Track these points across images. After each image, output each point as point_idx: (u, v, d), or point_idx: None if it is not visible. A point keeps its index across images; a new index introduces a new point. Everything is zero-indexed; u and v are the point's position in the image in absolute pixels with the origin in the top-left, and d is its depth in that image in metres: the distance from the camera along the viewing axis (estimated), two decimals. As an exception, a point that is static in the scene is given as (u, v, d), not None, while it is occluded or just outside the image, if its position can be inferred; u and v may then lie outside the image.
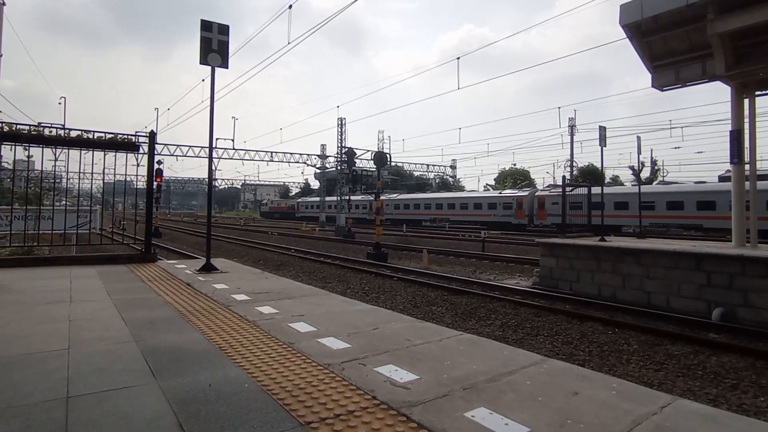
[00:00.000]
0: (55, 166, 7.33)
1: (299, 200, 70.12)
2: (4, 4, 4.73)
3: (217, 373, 2.47)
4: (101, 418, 1.91)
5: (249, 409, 2.03)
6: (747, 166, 9.46)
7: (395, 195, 47.75)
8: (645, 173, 45.05)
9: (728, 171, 24.77)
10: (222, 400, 2.12)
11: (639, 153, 15.39)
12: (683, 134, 54.76)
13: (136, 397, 2.14)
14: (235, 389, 2.25)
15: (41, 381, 2.32)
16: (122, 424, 1.87)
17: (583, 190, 13.43)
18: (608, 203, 25.33)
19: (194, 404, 2.07)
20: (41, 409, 2.00)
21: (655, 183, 38.99)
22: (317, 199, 67.70)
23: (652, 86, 10.80)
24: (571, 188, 13.54)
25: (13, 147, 6.52)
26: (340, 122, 37.49)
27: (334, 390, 2.25)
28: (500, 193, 38.86)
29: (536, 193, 34.75)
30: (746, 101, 9.62)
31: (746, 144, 9.46)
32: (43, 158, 6.71)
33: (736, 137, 9.48)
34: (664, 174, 47.32)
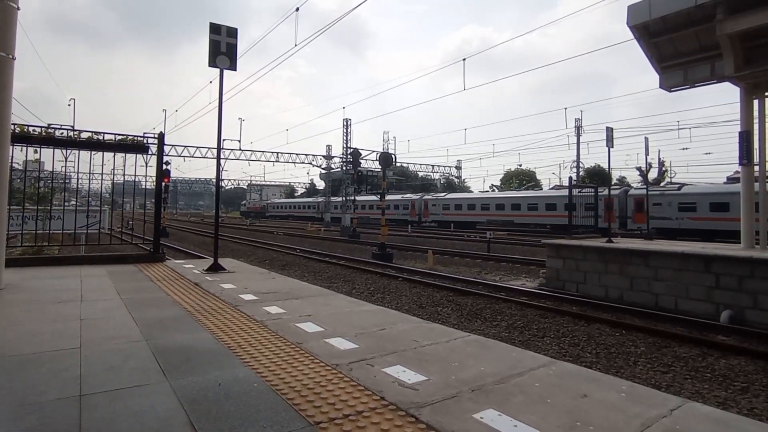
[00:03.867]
0: (65, 166, 7.38)
1: (268, 201, 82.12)
2: (18, 8, 4.78)
3: (226, 372, 2.49)
4: (114, 416, 1.94)
5: (258, 408, 2.05)
6: (756, 168, 9.38)
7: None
8: (652, 174, 44.72)
9: (737, 172, 24.56)
10: (232, 399, 2.14)
11: (647, 154, 15.25)
12: (691, 135, 54.13)
13: (148, 395, 2.17)
14: (245, 389, 2.26)
15: (54, 379, 2.35)
16: (134, 422, 1.89)
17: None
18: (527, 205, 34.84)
19: (204, 403, 2.09)
20: (55, 406, 2.03)
21: (663, 184, 38.73)
22: (284, 200, 79.20)
23: (660, 87, 10.74)
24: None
25: (25, 148, 6.60)
26: (345, 123, 37.56)
27: (343, 390, 2.26)
28: (402, 196, 46.81)
29: (424, 197, 43.68)
30: (756, 102, 9.54)
31: (756, 145, 9.38)
32: (53, 159, 6.79)
33: (745, 138, 9.41)
34: (672, 175, 46.91)
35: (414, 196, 44.87)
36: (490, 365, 2.65)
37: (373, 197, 45.33)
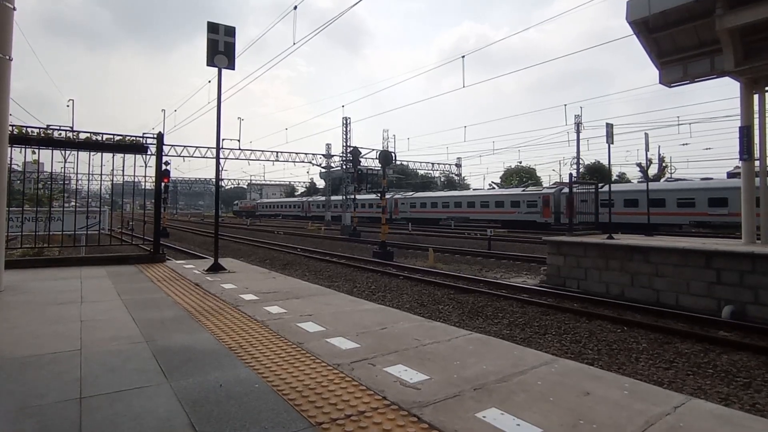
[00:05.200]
0: (64, 168, 7.36)
1: (258, 201, 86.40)
2: (14, 9, 4.77)
3: (227, 373, 2.48)
4: (115, 419, 1.93)
5: (260, 409, 2.04)
6: (757, 163, 9.36)
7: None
8: (652, 170, 44.72)
9: (737, 168, 24.62)
10: (233, 400, 2.13)
11: (647, 150, 15.15)
12: (691, 130, 54.01)
13: (149, 397, 2.16)
14: (246, 389, 2.26)
15: (54, 381, 2.35)
16: (135, 424, 1.88)
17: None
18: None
19: (206, 404, 2.08)
20: (55, 409, 2.02)
21: (662, 180, 38.71)
22: (272, 200, 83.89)
23: (660, 82, 10.71)
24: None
25: (23, 150, 6.58)
26: (345, 122, 37.54)
27: (344, 390, 2.25)
28: (376, 195, 50.18)
29: (394, 196, 46.49)
30: (756, 97, 9.51)
31: (756, 140, 9.36)
32: (52, 160, 6.77)
33: (745, 133, 9.38)
34: (672, 171, 46.88)
35: (369, 197, 48.69)
36: (492, 363, 2.64)
37: (368, 196, 46.59)
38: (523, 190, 35.94)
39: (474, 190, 46.89)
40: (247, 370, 2.54)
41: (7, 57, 4.76)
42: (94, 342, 3.03)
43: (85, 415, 1.96)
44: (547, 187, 35.73)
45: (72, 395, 2.17)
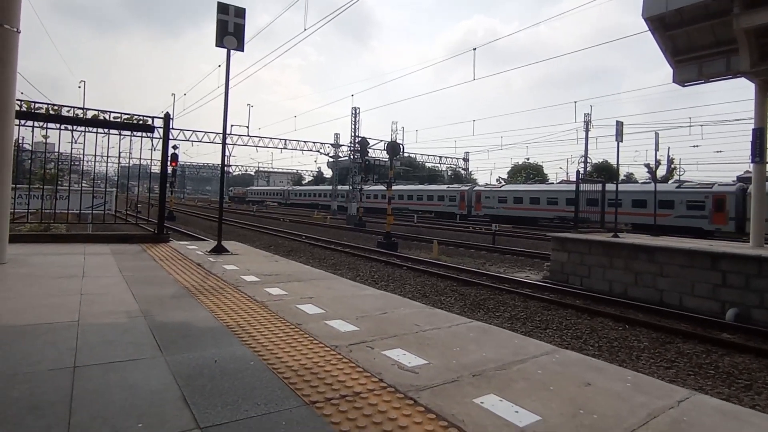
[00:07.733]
0: (71, 147, 7.35)
1: (247, 188, 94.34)
2: None
3: (223, 350, 2.46)
4: (106, 388, 1.91)
5: (254, 386, 2.01)
6: (769, 166, 9.20)
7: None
8: (661, 171, 44.27)
9: (747, 172, 24.35)
10: (227, 376, 2.10)
11: (656, 150, 14.94)
12: (702, 132, 53.08)
13: (142, 369, 2.14)
14: (241, 366, 2.23)
15: (49, 350, 2.33)
16: (127, 395, 1.86)
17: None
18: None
19: (199, 379, 2.05)
20: (47, 377, 2.00)
21: (671, 181, 38.34)
22: (259, 188, 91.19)
23: (674, 81, 10.53)
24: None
25: (32, 127, 6.57)
26: (354, 111, 37.38)
27: (341, 371, 2.22)
28: (339, 188, 54.77)
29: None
30: (771, 98, 9.33)
31: (770, 143, 9.20)
32: (60, 139, 6.77)
33: (758, 135, 9.22)
34: (681, 173, 46.40)
35: (346, 188, 52.51)
36: (492, 351, 2.60)
37: (374, 187, 47.13)
38: (447, 188, 44.46)
39: (414, 186, 53.73)
40: (243, 348, 2.51)
41: (15, 29, 4.72)
42: (93, 314, 3.01)
43: (77, 384, 1.94)
44: (463, 186, 43.31)
45: (66, 364, 2.15)
